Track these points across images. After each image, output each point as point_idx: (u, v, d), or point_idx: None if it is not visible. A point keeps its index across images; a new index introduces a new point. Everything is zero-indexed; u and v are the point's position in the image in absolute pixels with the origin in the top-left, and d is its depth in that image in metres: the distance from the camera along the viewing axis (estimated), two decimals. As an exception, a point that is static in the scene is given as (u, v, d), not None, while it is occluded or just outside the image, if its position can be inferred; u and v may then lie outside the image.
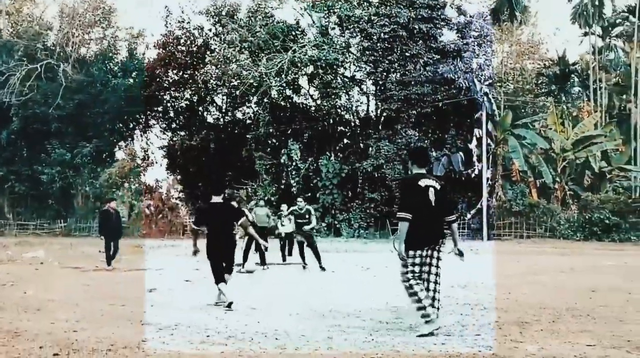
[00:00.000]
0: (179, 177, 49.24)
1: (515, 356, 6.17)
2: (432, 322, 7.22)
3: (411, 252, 7.33)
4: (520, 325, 7.98)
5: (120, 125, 48.17)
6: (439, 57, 37.56)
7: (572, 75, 48.25)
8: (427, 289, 7.35)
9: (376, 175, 36.99)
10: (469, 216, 35.80)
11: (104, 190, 43.06)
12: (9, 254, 22.08)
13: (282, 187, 39.19)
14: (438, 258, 7.47)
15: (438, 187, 7.51)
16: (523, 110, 42.77)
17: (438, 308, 7.37)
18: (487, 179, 35.73)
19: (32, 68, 41.87)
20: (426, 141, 36.71)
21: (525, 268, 16.52)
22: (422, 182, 7.47)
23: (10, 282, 13.31)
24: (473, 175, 36.26)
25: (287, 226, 17.59)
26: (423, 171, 7.70)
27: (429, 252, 7.39)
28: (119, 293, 11.33)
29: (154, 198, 44.14)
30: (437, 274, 7.45)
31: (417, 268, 7.34)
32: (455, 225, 7.86)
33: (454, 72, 36.09)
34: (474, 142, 36.02)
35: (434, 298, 7.34)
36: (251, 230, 11.52)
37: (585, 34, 47.11)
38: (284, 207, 19.45)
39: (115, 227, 17.76)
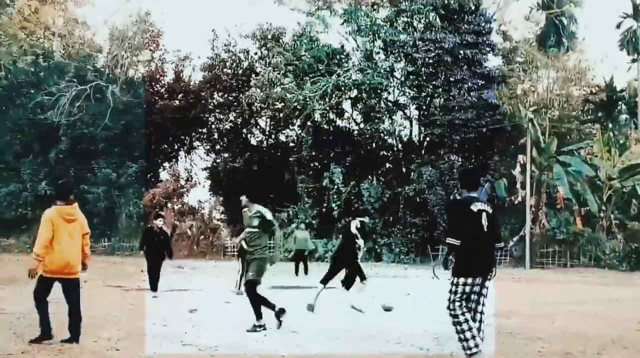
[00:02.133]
0: (221, 198, 49.61)
1: (557, 387, 6.08)
2: (476, 354, 6.93)
3: (462, 280, 7.02)
4: (564, 356, 7.87)
5: (165, 146, 48.86)
6: (483, 82, 37.40)
7: (620, 102, 47.55)
8: (474, 319, 7.08)
9: (418, 200, 36.80)
10: (511, 243, 35.30)
11: (147, 210, 43.63)
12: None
13: (324, 210, 39.22)
14: (486, 287, 7.19)
15: (490, 211, 7.20)
16: (568, 137, 42.22)
17: (482, 339, 7.10)
18: (531, 206, 35.27)
19: (81, 89, 42.73)
20: (469, 166, 36.44)
21: (569, 298, 16.27)
22: (475, 206, 7.12)
23: (55, 299, 13.51)
24: (516, 202, 35.85)
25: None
26: (474, 194, 7.36)
27: (479, 280, 7.08)
28: (160, 313, 11.44)
29: (196, 219, 44.51)
30: (484, 304, 7.21)
31: (465, 297, 7.05)
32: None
33: (499, 98, 35.86)
34: (518, 168, 35.66)
35: (479, 329, 7.08)
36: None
37: (634, 61, 46.47)
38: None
39: (159, 248, 15.78)
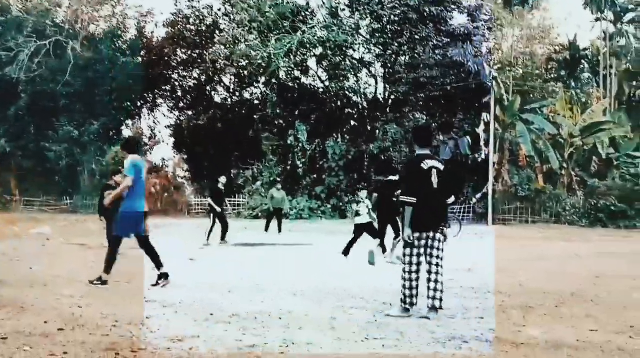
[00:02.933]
0: (185, 156, 49.30)
1: (519, 340, 6.18)
2: (406, 310, 7.37)
3: (419, 234, 7.29)
4: (523, 310, 8.00)
5: (128, 103, 48.13)
6: (448, 40, 37.35)
7: (583, 61, 48.00)
8: (429, 272, 7.34)
9: (383, 158, 36.95)
10: (474, 200, 35.76)
11: (110, 168, 43.17)
12: (15, 230, 22.19)
13: (288, 168, 39.20)
14: (440, 241, 7.41)
15: (441, 168, 7.43)
16: (532, 96, 42.55)
17: (441, 291, 7.31)
18: (494, 163, 35.63)
19: (41, 44, 41.79)
20: (434, 124, 36.60)
21: (529, 253, 16.55)
22: (425, 164, 7.36)
23: (16, 258, 13.39)
24: (480, 159, 36.20)
25: (364, 216, 14.73)
26: (427, 151, 7.60)
27: (432, 234, 7.33)
28: (123, 271, 11.37)
29: (160, 177, 44.21)
30: (439, 257, 7.38)
31: (415, 252, 7.33)
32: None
33: (464, 56, 35.88)
34: (482, 126, 35.93)
35: (436, 281, 7.30)
36: None
37: (597, 20, 46.72)
38: (362, 193, 16.32)
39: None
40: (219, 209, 18.91)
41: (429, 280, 7.33)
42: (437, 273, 7.33)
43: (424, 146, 7.65)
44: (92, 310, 7.38)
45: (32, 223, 26.65)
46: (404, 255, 7.43)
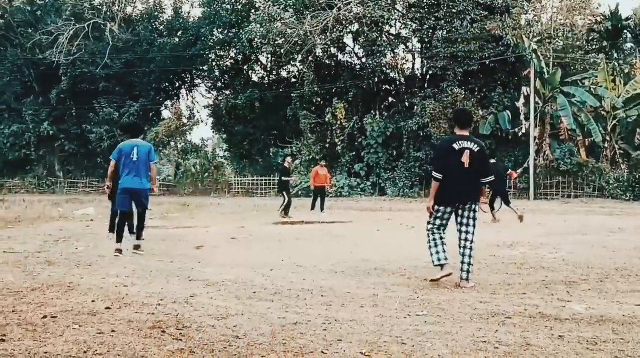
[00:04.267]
0: (224, 136, 49.62)
1: (562, 315, 6.13)
2: (440, 266, 7.86)
3: (438, 208, 7.87)
4: (567, 285, 7.93)
5: (167, 84, 48.62)
6: (486, 13, 36.83)
7: (625, 31, 46.94)
8: (460, 246, 7.83)
9: (421, 134, 36.77)
10: (515, 175, 35.38)
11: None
12: (60, 211, 22.61)
13: (327, 146, 39.23)
14: (470, 218, 7.86)
15: (475, 149, 7.82)
16: (573, 68, 41.76)
17: (470, 264, 7.83)
18: (535, 137, 35.19)
19: (79, 27, 42.28)
20: (473, 99, 36.24)
21: (572, 228, 16.34)
22: (458, 145, 7.80)
23: (62, 238, 13.64)
24: (520, 134, 35.76)
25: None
26: (465, 133, 7.98)
27: (459, 211, 7.86)
28: (167, 251, 11.53)
29: (200, 157, 44.59)
30: (468, 232, 7.83)
31: (438, 223, 7.91)
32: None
33: (502, 29, 35.37)
34: (522, 100, 35.42)
35: (463, 255, 7.79)
36: None
37: (640, -11, 45.64)
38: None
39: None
40: (292, 180, 22.82)
41: (461, 254, 7.82)
42: (465, 247, 7.80)
43: (463, 128, 8.03)
44: (137, 289, 7.50)
45: (76, 204, 27.15)
46: (428, 223, 8.02)
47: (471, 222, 7.84)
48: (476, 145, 7.85)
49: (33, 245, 12.34)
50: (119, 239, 10.83)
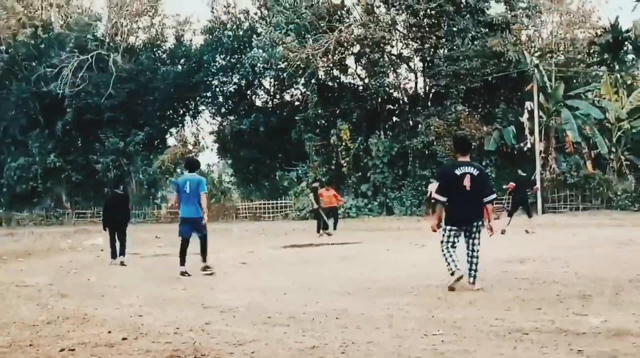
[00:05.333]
0: (229, 161, 49.73)
1: (579, 329, 6.12)
2: (454, 273, 8.83)
3: (448, 227, 8.95)
4: (582, 298, 7.92)
5: (171, 112, 48.83)
6: (487, 30, 37.00)
7: (626, 43, 46.97)
8: (468, 262, 9.01)
9: (427, 152, 36.75)
10: (537, 189, 35.23)
11: (157, 177, 43.82)
12: (69, 242, 22.68)
13: (333, 167, 39.28)
14: (475, 233, 8.97)
15: (475, 173, 8.86)
16: (575, 81, 41.77)
17: (476, 271, 9.03)
18: (540, 151, 35.19)
19: (83, 59, 42.51)
20: (476, 116, 36.31)
21: (582, 241, 16.31)
22: (459, 170, 8.85)
23: (73, 270, 13.69)
24: (525, 148, 35.75)
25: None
26: (466, 158, 9.03)
27: (466, 229, 8.95)
28: (178, 278, 11.56)
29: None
30: (474, 244, 8.98)
31: (451, 240, 8.95)
32: (489, 205, 9.28)
33: (503, 45, 35.49)
34: (526, 115, 35.39)
35: (472, 270, 9.00)
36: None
37: (638, 0, 45.75)
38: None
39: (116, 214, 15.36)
40: (315, 206, 23.15)
41: (468, 262, 9.02)
42: (472, 257, 9.01)
43: (464, 154, 9.09)
44: (151, 318, 7.52)
45: (85, 234, 27.19)
46: (441, 242, 9.04)
47: (476, 235, 8.97)
48: (476, 170, 8.92)
49: (45, 277, 12.38)
50: (182, 262, 12.00)
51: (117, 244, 15.06)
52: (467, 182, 8.73)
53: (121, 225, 15.10)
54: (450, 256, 8.87)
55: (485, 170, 9.68)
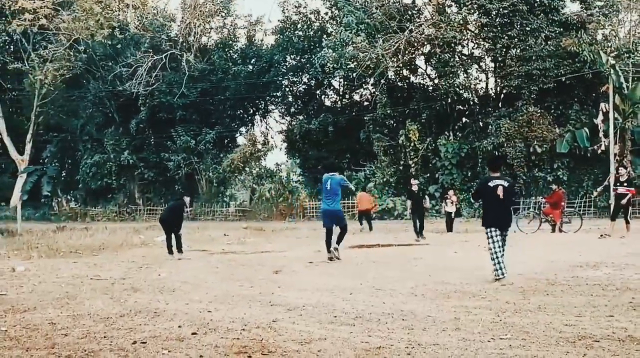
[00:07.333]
0: (298, 160, 50.05)
1: (652, 338, 5.97)
2: (499, 278, 10.27)
3: (488, 229, 10.64)
4: (656, 306, 7.70)
5: (241, 111, 49.53)
6: (561, 29, 36.25)
7: None
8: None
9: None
10: (595, 194, 34.40)
11: (226, 175, 44.44)
12: (141, 238, 23.22)
13: (400, 168, 39.11)
14: (505, 236, 10.73)
15: (506, 184, 10.68)
16: (653, 82, 40.59)
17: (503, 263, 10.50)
18: (615, 154, 34.26)
19: (157, 59, 43.45)
20: (549, 117, 35.60)
21: (658, 248, 15.80)
22: (492, 183, 10.71)
23: (145, 265, 14.02)
24: (599, 151, 34.87)
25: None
26: (497, 174, 10.96)
27: (499, 231, 10.60)
28: (246, 275, 11.71)
29: (275, 181, 45.03)
30: (504, 244, 10.71)
31: (494, 239, 10.54)
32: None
33: (578, 45, 34.69)
34: (600, 116, 34.49)
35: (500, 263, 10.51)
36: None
37: None
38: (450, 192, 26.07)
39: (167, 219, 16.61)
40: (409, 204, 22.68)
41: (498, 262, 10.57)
42: (502, 255, 10.60)
43: (495, 171, 11.06)
44: (220, 314, 7.66)
45: (156, 231, 27.73)
46: (488, 244, 10.68)
47: (505, 237, 10.77)
48: (506, 182, 10.76)
49: (118, 271, 12.72)
50: (328, 249, 14.27)
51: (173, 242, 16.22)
52: (500, 192, 10.53)
53: (171, 227, 16.19)
54: (499, 262, 10.44)
55: (514, 183, 12.38)
